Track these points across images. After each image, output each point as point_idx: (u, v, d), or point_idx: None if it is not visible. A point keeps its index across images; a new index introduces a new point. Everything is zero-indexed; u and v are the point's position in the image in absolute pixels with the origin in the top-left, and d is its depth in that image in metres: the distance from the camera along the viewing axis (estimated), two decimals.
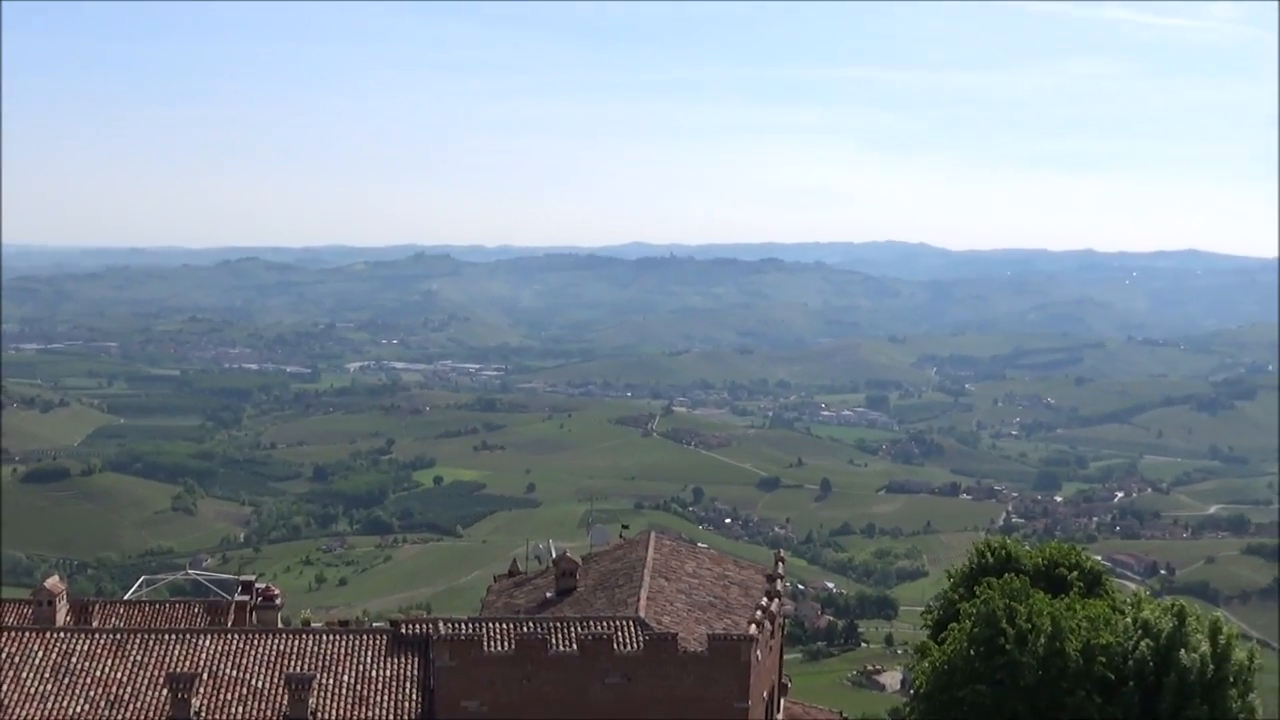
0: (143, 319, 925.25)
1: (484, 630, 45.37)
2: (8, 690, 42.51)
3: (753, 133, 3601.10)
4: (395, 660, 45.03)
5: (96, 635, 45.10)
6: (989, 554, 58.50)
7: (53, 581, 49.88)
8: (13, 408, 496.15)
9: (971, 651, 48.86)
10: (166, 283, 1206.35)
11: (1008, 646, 47.80)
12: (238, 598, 54.55)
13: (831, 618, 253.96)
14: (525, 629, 45.44)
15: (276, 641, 45.72)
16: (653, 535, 55.34)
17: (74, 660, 43.93)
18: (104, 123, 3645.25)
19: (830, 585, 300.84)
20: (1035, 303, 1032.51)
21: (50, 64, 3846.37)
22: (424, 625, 46.58)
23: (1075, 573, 56.15)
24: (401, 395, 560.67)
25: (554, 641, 44.62)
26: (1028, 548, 60.38)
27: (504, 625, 46.14)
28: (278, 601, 54.64)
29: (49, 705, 42.42)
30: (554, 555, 53.93)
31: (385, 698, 43.75)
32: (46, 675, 43.29)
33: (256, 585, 56.34)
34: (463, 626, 45.59)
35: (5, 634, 44.55)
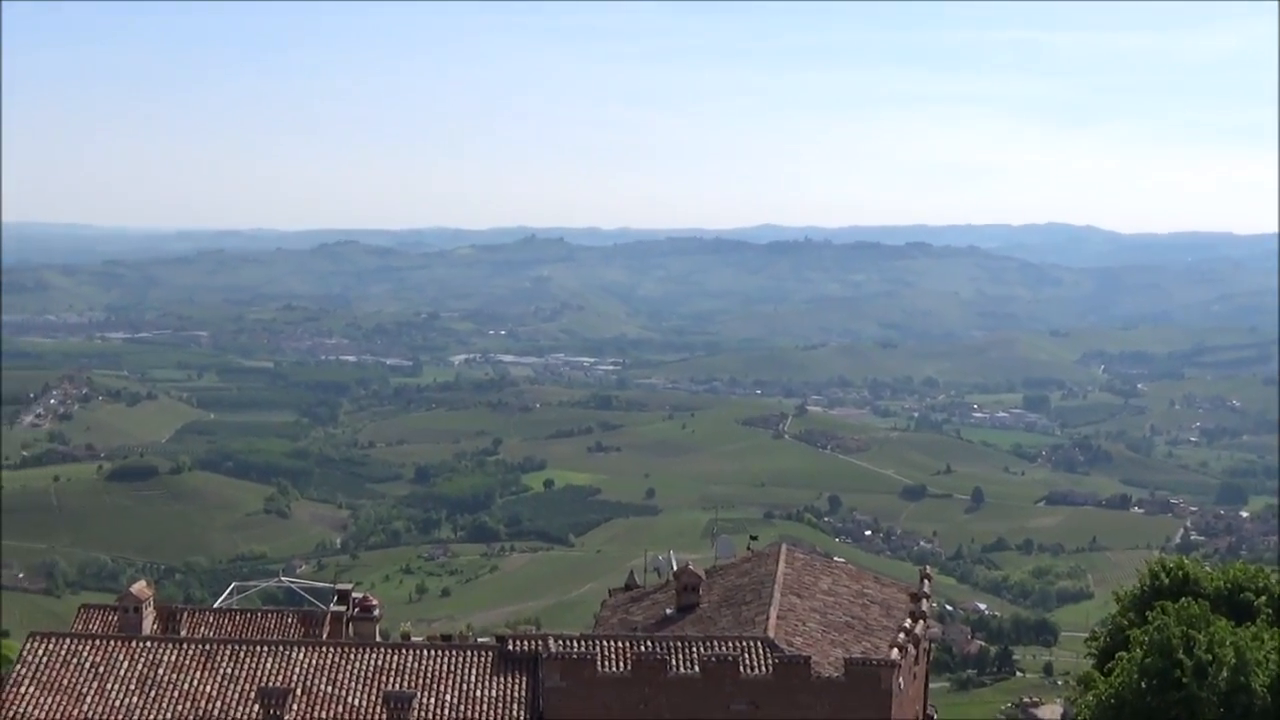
0: (235, 306, 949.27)
1: (597, 649, 45.53)
2: (92, 702, 43.76)
3: (898, 104, 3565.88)
4: (501, 679, 45.44)
5: (185, 645, 46.17)
6: (1164, 575, 57.26)
7: (139, 587, 51.20)
8: (98, 401, 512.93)
9: (1143, 685, 47.78)
10: (260, 268, 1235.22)
11: (1184, 680, 46.66)
12: (333, 608, 55.57)
13: (983, 643, 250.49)
14: (643, 648, 45.50)
15: (374, 656, 46.41)
16: (784, 548, 55.13)
17: (161, 671, 45.03)
18: (195, 98, 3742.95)
19: (982, 607, 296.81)
20: (1219, 293, 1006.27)
21: (135, 38, 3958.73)
22: (533, 642, 46.91)
23: (1263, 598, 54.65)
24: (510, 391, 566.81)
25: (674, 663, 44.61)
26: (1208, 569, 59.02)
27: (619, 644, 46.24)
28: (376, 613, 55.57)
29: (135, 718, 43.60)
30: (675, 568, 53.96)
31: (490, 719, 44.17)
32: (132, 687, 44.44)
33: (353, 595, 57.32)
34: (574, 644, 45.80)
35: (90, 642, 45.86)
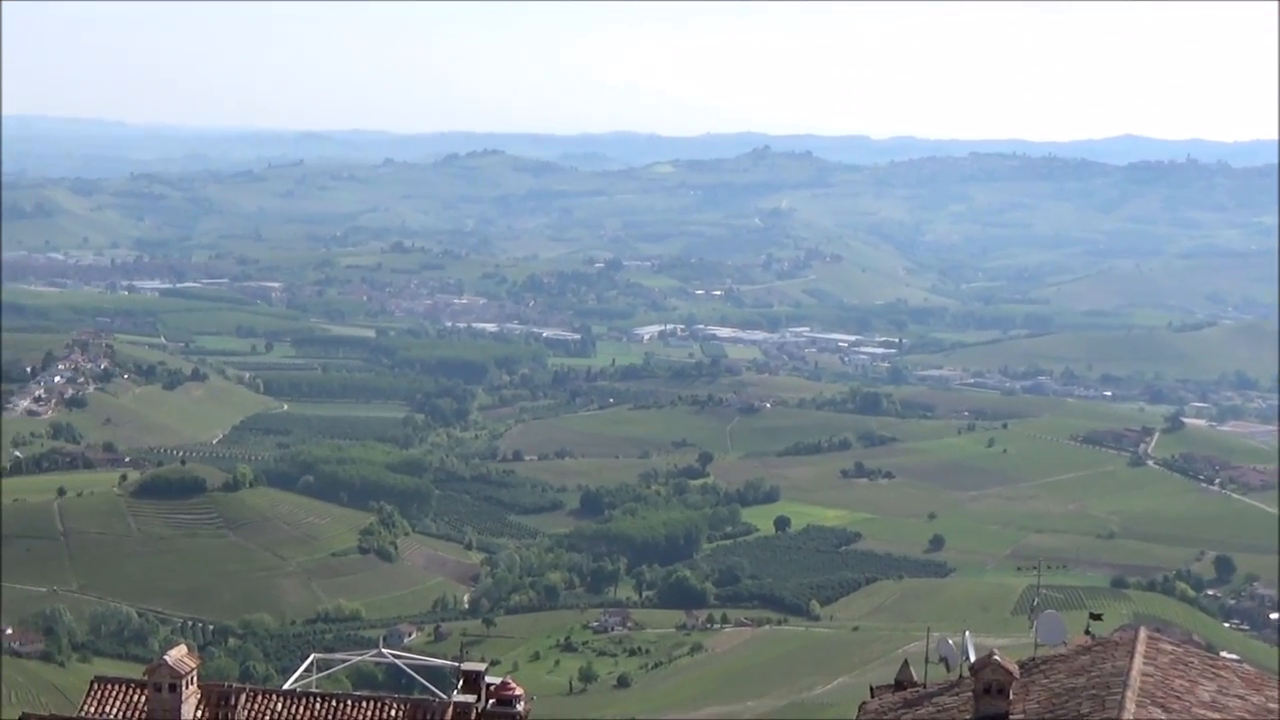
0: (320, 245, 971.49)
1: None
2: None
3: None
4: None
5: None
6: None
7: (178, 655, 52.43)
8: (122, 380, 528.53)
9: None
10: (359, 188, 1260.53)
11: None
12: (457, 697, 56.36)
13: None
14: None
15: None
16: (1143, 634, 54.35)
17: None
18: None
19: None
20: None
21: None
22: None
23: None
24: (726, 381, 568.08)
25: None
26: None
27: None
28: (520, 707, 56.22)
29: None
30: (972, 658, 53.64)
31: None
32: None
33: (486, 679, 58.01)
34: None
35: None
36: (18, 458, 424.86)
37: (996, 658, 52.62)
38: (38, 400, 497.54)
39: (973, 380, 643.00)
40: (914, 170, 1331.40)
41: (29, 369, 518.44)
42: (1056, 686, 52.06)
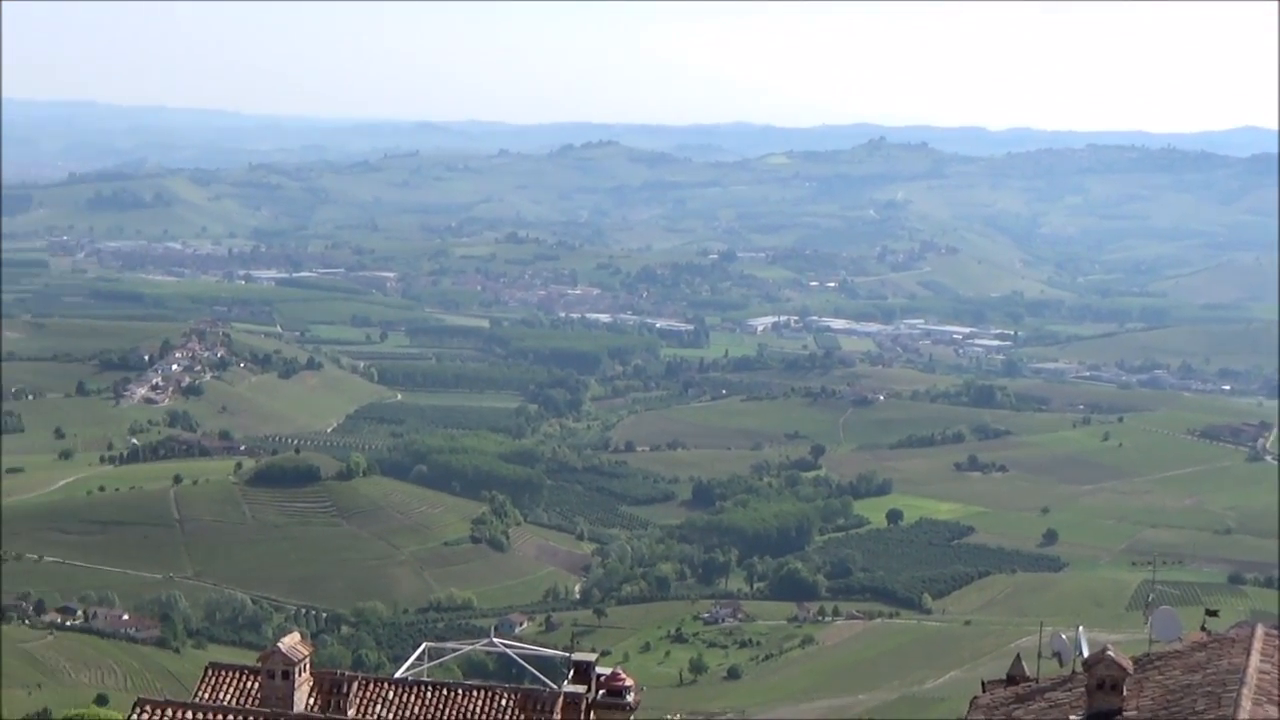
0: (435, 236, 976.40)
1: None
2: None
3: None
4: None
5: None
6: None
7: (291, 642, 52.77)
8: (238, 368, 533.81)
9: None
10: (474, 179, 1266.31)
11: None
12: (567, 687, 56.45)
13: None
14: None
15: None
16: (1260, 631, 53.73)
17: None
18: None
19: None
20: None
21: None
22: None
23: None
24: (839, 373, 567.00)
25: None
26: None
27: None
28: (630, 698, 56.23)
29: None
30: (1085, 653, 53.22)
31: None
32: None
33: (597, 669, 58.06)
34: None
35: (219, 718, 47.63)
36: (135, 445, 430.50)
37: (1110, 653, 52.11)
38: (155, 388, 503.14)
39: (1088, 373, 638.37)
40: (1031, 162, 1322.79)
41: (147, 357, 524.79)
42: (1171, 683, 51.54)
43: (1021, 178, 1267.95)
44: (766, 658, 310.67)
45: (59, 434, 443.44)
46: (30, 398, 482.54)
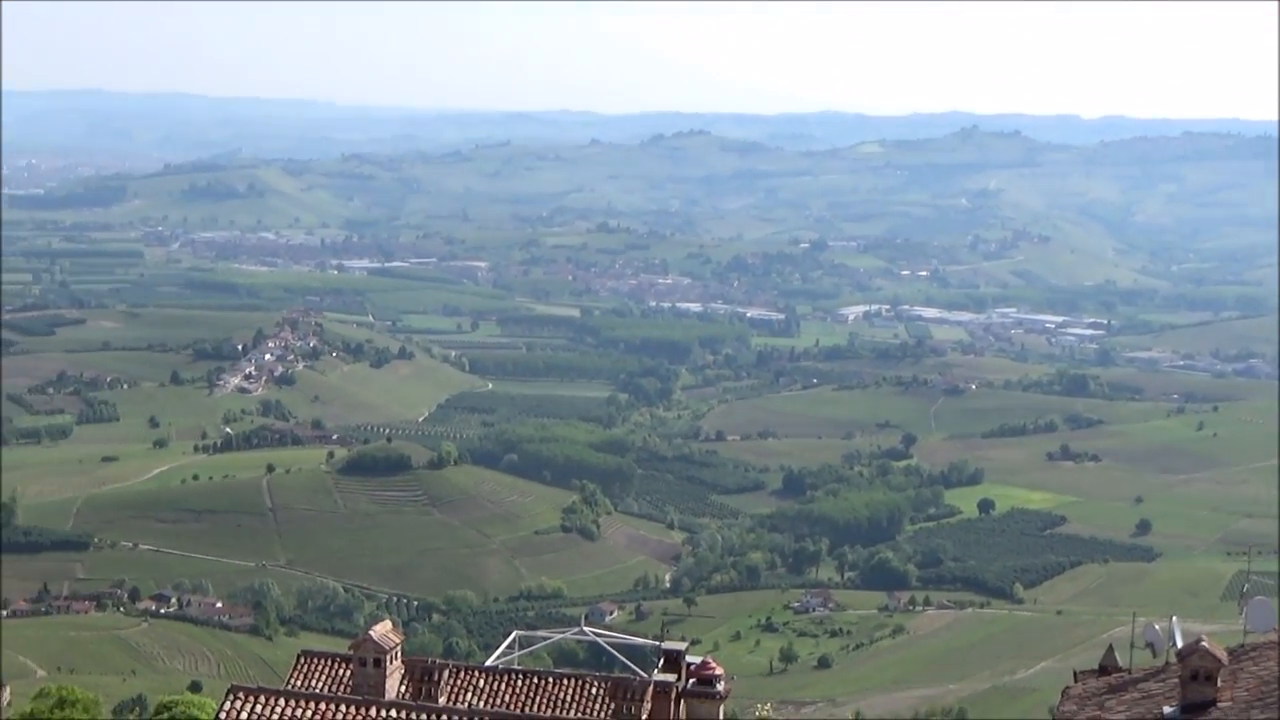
0: (527, 226, 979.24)
1: None
2: None
3: None
4: None
5: (444, 718, 47.58)
6: None
7: (382, 630, 52.99)
8: (330, 358, 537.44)
9: None
10: (564, 168, 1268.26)
11: None
12: (658, 676, 56.47)
13: None
14: None
15: None
16: None
17: None
18: None
19: None
20: None
21: None
22: None
23: None
24: (931, 363, 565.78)
25: None
26: None
27: None
28: (720, 687, 56.24)
29: None
30: (1179, 643, 52.83)
31: None
32: None
33: (687, 658, 58.10)
34: None
35: (311, 705, 47.84)
36: (228, 434, 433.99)
37: (1204, 644, 51.73)
38: (248, 378, 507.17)
39: (1182, 363, 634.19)
40: (1125, 150, 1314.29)
41: (240, 347, 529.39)
42: (1266, 674, 51.12)
43: (1115, 166, 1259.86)
44: (857, 647, 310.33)
45: (154, 423, 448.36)
46: (125, 387, 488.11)
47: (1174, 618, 56.90)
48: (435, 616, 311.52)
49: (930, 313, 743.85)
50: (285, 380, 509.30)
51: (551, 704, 54.80)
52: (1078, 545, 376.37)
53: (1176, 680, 51.40)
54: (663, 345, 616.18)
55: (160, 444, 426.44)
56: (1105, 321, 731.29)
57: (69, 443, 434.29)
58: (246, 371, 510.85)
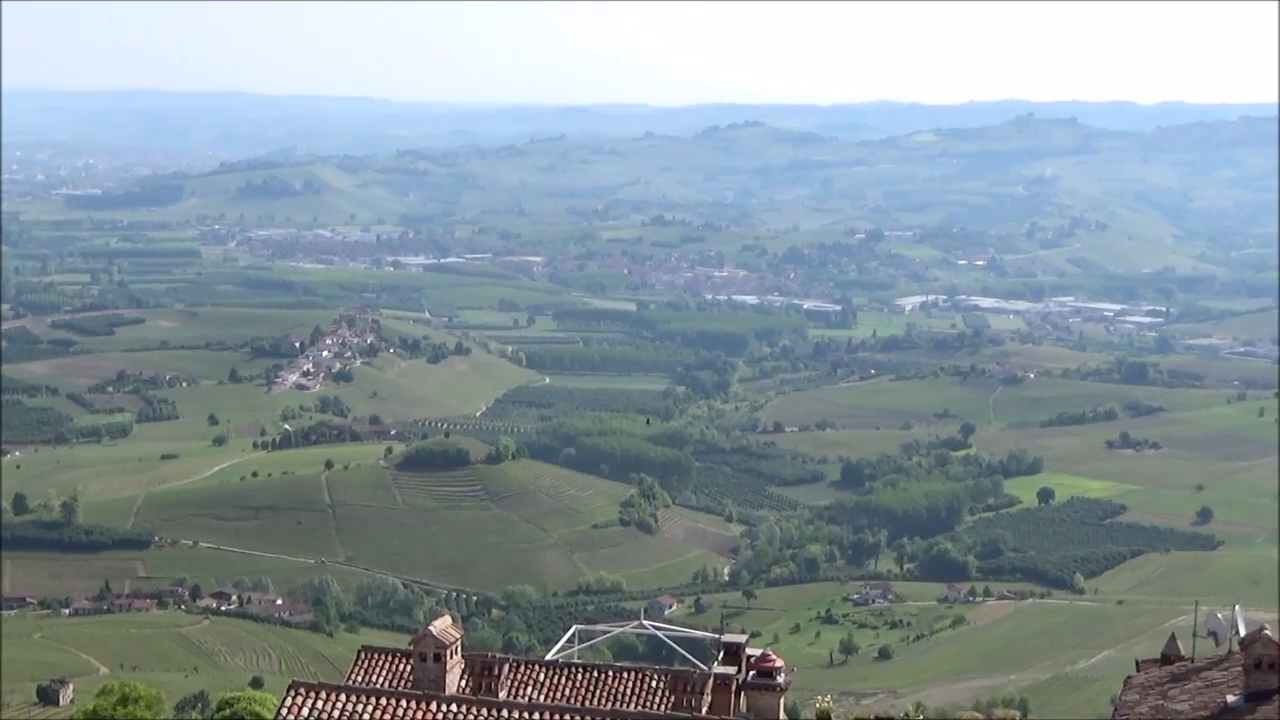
0: (582, 219, 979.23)
1: None
2: None
3: None
4: None
5: (504, 712, 47.68)
6: None
7: (442, 625, 53.05)
8: (388, 354, 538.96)
9: None
10: (619, 162, 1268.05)
11: None
12: (718, 669, 56.48)
13: None
14: None
15: None
16: None
17: None
18: None
19: None
20: None
21: None
22: None
23: None
24: (989, 352, 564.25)
25: None
26: None
27: None
28: (781, 679, 56.18)
29: None
30: (1242, 632, 52.59)
31: None
32: None
33: (747, 651, 58.07)
34: None
35: (373, 700, 47.99)
36: (287, 431, 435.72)
37: (1267, 632, 51.53)
38: (306, 374, 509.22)
39: (1243, 349, 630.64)
40: (1182, 135, 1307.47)
41: (298, 344, 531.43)
42: None
43: (1172, 151, 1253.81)
44: (917, 638, 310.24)
45: (212, 421, 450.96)
46: (184, 385, 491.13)
47: (1236, 606, 56.65)
48: (495, 611, 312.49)
49: (987, 302, 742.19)
50: (343, 377, 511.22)
51: (611, 697, 54.91)
52: (1138, 534, 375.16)
53: (1239, 669, 51.21)
54: (719, 338, 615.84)
55: (219, 442, 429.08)
56: (1164, 309, 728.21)
57: (129, 441, 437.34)
58: (304, 369, 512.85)
